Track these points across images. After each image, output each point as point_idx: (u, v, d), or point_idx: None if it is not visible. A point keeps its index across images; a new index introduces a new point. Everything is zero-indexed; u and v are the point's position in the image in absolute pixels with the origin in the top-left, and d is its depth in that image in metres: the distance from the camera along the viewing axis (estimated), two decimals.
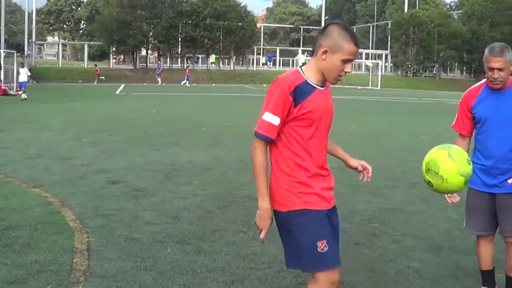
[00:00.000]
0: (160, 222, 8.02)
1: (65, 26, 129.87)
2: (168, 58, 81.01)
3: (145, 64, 76.83)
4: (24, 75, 36.91)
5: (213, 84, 64.50)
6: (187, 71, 64.51)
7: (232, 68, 79.98)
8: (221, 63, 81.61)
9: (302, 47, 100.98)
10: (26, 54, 69.27)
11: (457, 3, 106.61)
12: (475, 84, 5.36)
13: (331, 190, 4.08)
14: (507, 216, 5.14)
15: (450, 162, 4.55)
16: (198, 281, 5.81)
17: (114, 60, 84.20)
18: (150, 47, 77.57)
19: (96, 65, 68.56)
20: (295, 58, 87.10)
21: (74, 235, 7.27)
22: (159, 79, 63.57)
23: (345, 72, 3.95)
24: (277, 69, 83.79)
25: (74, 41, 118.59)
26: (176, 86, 58.71)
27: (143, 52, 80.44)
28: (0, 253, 6.45)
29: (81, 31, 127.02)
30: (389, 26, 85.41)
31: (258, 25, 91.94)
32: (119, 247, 6.81)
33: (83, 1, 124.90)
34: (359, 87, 62.44)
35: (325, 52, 3.87)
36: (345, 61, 3.89)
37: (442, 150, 4.66)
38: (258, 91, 49.29)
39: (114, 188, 10.18)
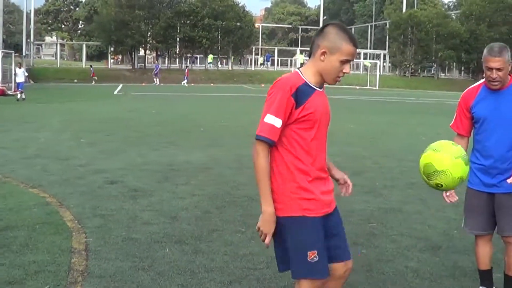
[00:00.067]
0: (158, 222, 8.01)
1: (63, 26, 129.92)
2: (166, 58, 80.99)
3: (143, 64, 76.83)
4: (21, 75, 36.86)
5: (211, 84, 64.51)
6: (186, 71, 64.47)
7: (230, 68, 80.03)
8: (219, 63, 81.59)
9: (301, 47, 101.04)
10: (24, 54, 69.38)
11: (455, 3, 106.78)
12: (473, 84, 5.36)
13: (332, 193, 4.06)
14: (506, 215, 5.14)
15: (439, 154, 4.58)
16: (196, 281, 5.81)
17: (112, 60, 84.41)
18: (148, 47, 77.67)
19: (91, 66, 68.51)
20: (294, 58, 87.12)
21: (72, 235, 7.26)
22: (157, 80, 63.54)
23: (344, 73, 3.94)
24: (275, 69, 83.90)
25: (72, 41, 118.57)
26: (174, 86, 58.71)
27: (141, 52, 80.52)
28: None
29: (79, 31, 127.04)
30: (387, 26, 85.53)
31: (256, 25, 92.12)
32: (117, 247, 6.81)
33: (81, 1, 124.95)
34: (357, 87, 62.48)
35: (323, 53, 3.85)
36: (343, 62, 3.88)
37: (426, 153, 4.69)
38: (256, 91, 49.34)
39: (112, 188, 10.18)
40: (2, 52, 46.46)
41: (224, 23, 73.94)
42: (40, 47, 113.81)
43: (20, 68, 38.14)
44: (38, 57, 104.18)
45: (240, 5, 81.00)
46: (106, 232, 7.42)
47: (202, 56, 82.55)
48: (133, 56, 76.49)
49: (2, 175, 11.05)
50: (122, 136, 17.40)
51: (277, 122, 3.75)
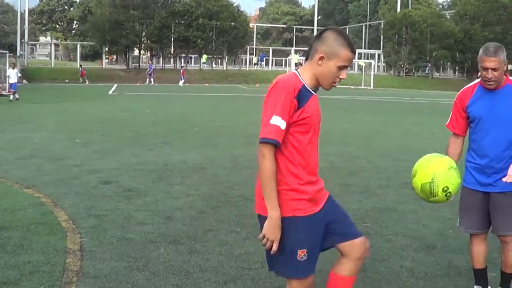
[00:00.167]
0: (152, 222, 8.01)
1: (57, 26, 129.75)
2: (161, 58, 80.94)
3: (137, 64, 76.77)
4: (14, 76, 36.76)
5: (206, 84, 64.49)
6: (182, 71, 64.38)
7: (225, 68, 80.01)
8: (213, 63, 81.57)
9: (295, 47, 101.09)
10: (18, 54, 69.17)
11: (450, 3, 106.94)
12: (469, 84, 5.37)
13: (322, 190, 4.09)
14: (501, 215, 5.16)
15: (418, 174, 4.77)
16: (191, 281, 5.81)
17: (106, 60, 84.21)
18: (142, 47, 77.59)
19: (81, 65, 68.38)
20: (288, 58, 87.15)
21: (66, 235, 7.25)
22: (151, 79, 63.48)
23: (340, 78, 3.95)
24: (269, 69, 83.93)
25: (66, 41, 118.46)
26: (169, 86, 58.66)
27: (136, 52, 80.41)
28: None
29: (73, 31, 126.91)
30: (382, 26, 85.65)
31: (251, 25, 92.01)
32: (112, 248, 6.80)
33: (76, 1, 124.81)
34: (352, 87, 62.50)
35: (321, 58, 3.85)
36: (340, 68, 3.88)
37: (412, 181, 4.84)
38: (251, 91, 49.37)
39: (106, 188, 10.17)
40: None
41: (218, 23, 73.94)
42: (34, 47, 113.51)
43: (13, 69, 38.02)
44: (33, 57, 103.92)
45: (234, 5, 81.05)
46: (100, 232, 7.41)
47: (196, 56, 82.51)
48: (127, 56, 76.44)
49: None
50: (117, 136, 17.39)
51: (283, 124, 3.71)
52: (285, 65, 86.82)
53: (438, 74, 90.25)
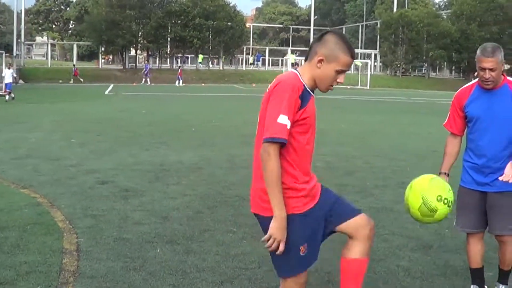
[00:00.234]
0: (149, 222, 8.01)
1: (54, 26, 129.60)
2: (157, 58, 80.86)
3: (134, 64, 76.70)
4: (9, 76, 36.65)
5: (203, 84, 64.42)
6: (179, 71, 64.25)
7: (221, 68, 79.90)
8: (210, 63, 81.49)
9: (292, 46, 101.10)
10: (15, 54, 69.06)
11: (446, 3, 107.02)
12: (467, 84, 5.40)
13: (316, 185, 4.11)
14: (498, 214, 5.18)
15: (411, 196, 4.76)
16: (187, 281, 5.81)
17: (103, 60, 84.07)
18: (139, 47, 77.49)
19: (74, 65, 68.29)
20: (285, 58, 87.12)
21: (63, 235, 7.24)
22: (148, 79, 63.39)
23: (337, 82, 3.95)
24: (266, 69, 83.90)
25: (63, 41, 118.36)
26: (165, 86, 58.56)
27: (132, 52, 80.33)
28: None
29: (70, 31, 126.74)
30: (378, 25, 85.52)
31: (247, 25, 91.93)
32: (109, 248, 6.80)
33: (72, 1, 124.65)
34: (349, 87, 62.43)
35: (320, 60, 3.87)
36: (339, 72, 3.90)
37: (410, 210, 4.79)
38: (247, 91, 49.35)
39: (103, 188, 10.16)
40: None
41: (215, 23, 73.82)
42: (30, 47, 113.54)
43: (9, 69, 37.92)
44: (29, 57, 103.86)
45: (231, 4, 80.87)
46: (97, 233, 7.41)
47: (193, 56, 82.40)
48: (124, 56, 76.25)
49: None
50: (113, 136, 17.38)
51: (289, 123, 3.71)
52: (282, 65, 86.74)
53: (435, 74, 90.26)
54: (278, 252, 3.80)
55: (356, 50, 71.57)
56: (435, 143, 16.30)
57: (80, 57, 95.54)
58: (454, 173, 5.44)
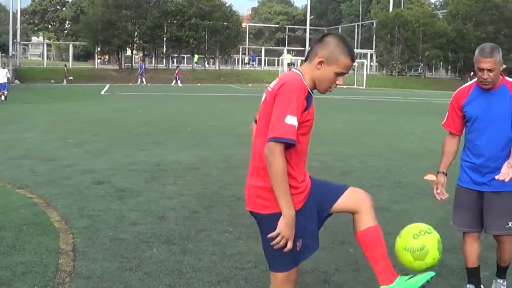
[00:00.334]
0: (145, 222, 8.00)
1: (50, 26, 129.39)
2: (153, 58, 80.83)
3: (130, 64, 76.63)
4: (4, 76, 36.55)
5: (199, 84, 64.42)
6: (176, 71, 64.15)
7: (217, 68, 79.97)
8: (206, 63, 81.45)
9: (288, 46, 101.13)
10: (11, 54, 69.00)
11: (442, 3, 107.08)
12: (466, 84, 5.44)
13: (309, 180, 4.10)
14: (494, 214, 5.20)
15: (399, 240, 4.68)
16: (184, 281, 5.81)
17: (99, 60, 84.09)
18: (135, 47, 77.46)
19: (65, 65, 68.21)
20: (281, 57, 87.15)
21: (59, 236, 7.24)
22: (143, 79, 63.35)
23: (337, 84, 3.96)
24: (262, 69, 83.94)
25: (59, 41, 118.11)
26: (161, 86, 58.57)
27: (128, 52, 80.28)
28: None
29: (66, 31, 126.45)
30: (374, 25, 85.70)
31: (243, 24, 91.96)
32: (105, 248, 6.79)
33: (68, 1, 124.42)
34: (344, 86, 62.34)
35: (320, 62, 3.86)
36: (338, 74, 3.90)
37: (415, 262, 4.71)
38: (243, 91, 49.31)
39: (99, 188, 10.15)
40: None
41: (211, 23, 73.90)
42: (26, 47, 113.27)
43: (3, 68, 37.83)
44: (25, 57, 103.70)
45: (227, 4, 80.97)
46: (93, 233, 7.40)
47: (189, 56, 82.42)
48: (120, 56, 76.28)
49: None
50: (109, 136, 17.37)
51: (297, 124, 3.71)
52: (278, 65, 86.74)
53: (431, 73, 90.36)
54: (286, 249, 3.80)
55: None
56: (430, 142, 16.34)
57: (76, 57, 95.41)
58: (450, 172, 5.45)
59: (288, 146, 3.73)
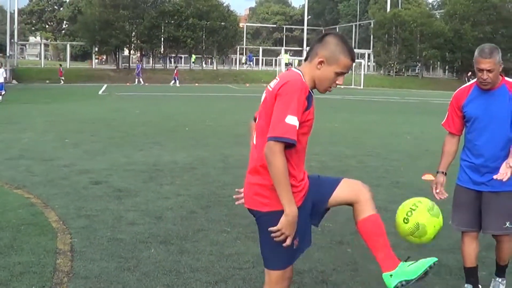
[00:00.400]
0: (143, 222, 8.00)
1: (47, 26, 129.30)
2: (151, 58, 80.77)
3: (127, 64, 76.58)
4: (0, 76, 36.46)
5: (196, 84, 64.37)
6: (175, 71, 64.05)
7: (215, 68, 79.88)
8: (204, 63, 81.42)
9: (285, 46, 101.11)
10: (8, 54, 68.93)
11: (439, 3, 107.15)
12: (466, 84, 5.47)
13: (307, 179, 4.11)
14: (493, 214, 5.23)
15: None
16: (181, 281, 5.81)
17: (96, 60, 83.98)
18: (132, 47, 77.40)
19: (60, 65, 68.14)
20: (278, 57, 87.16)
21: (57, 236, 7.23)
22: (140, 79, 63.30)
23: (337, 84, 3.95)
24: (259, 69, 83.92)
25: (56, 41, 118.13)
26: (159, 86, 58.51)
27: (126, 52, 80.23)
28: None
29: (63, 31, 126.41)
30: (372, 25, 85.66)
31: (241, 24, 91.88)
32: (102, 248, 6.79)
33: (65, 1, 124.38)
34: (342, 86, 62.10)
35: (321, 62, 3.87)
36: (338, 74, 3.90)
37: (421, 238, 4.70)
38: (241, 91, 49.28)
39: (96, 188, 10.15)
40: None
41: (208, 23, 73.81)
42: (24, 47, 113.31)
43: (0, 68, 37.75)
44: (22, 57, 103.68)
45: (224, 4, 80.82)
46: (91, 233, 7.40)
47: (187, 56, 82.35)
48: (117, 56, 76.16)
49: None
50: (107, 137, 17.35)
51: (298, 124, 3.71)
52: (275, 65, 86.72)
53: (428, 73, 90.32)
54: (285, 245, 3.82)
55: None
56: (428, 142, 16.34)
57: (74, 57, 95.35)
58: (450, 171, 5.47)
59: (289, 145, 3.74)
